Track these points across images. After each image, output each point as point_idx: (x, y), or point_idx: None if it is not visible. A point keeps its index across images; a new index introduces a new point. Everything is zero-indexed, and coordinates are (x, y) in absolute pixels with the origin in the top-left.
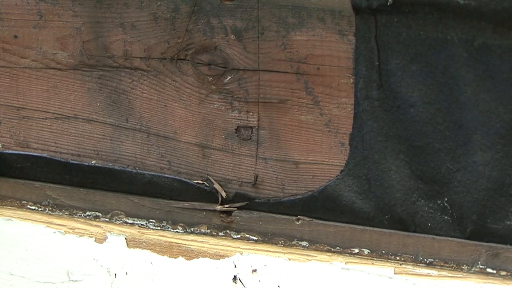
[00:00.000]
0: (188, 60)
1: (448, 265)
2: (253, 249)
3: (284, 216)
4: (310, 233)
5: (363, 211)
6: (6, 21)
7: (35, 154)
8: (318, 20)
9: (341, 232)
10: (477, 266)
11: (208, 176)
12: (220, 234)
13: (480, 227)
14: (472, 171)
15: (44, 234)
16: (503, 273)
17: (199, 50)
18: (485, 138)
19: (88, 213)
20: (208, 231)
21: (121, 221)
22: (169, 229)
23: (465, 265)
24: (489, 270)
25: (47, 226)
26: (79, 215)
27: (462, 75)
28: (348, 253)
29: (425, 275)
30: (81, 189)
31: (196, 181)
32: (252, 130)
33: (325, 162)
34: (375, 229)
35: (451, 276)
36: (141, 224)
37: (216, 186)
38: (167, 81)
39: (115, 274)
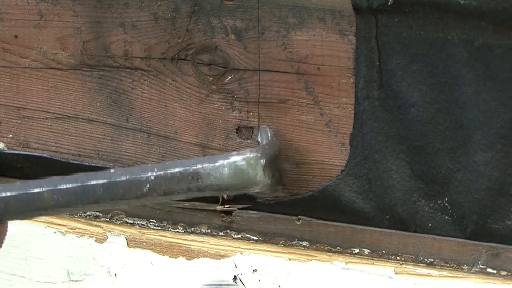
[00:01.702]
0: (189, 60)
1: (448, 265)
2: (253, 249)
3: (284, 216)
4: (310, 233)
5: (363, 211)
6: (6, 21)
7: (36, 154)
8: (318, 20)
9: (342, 232)
10: (478, 266)
11: None
12: (220, 234)
13: (481, 227)
14: (473, 171)
15: (45, 234)
16: (504, 273)
17: (200, 50)
18: (486, 138)
19: (88, 213)
20: (209, 231)
21: (121, 221)
22: (169, 229)
23: (465, 265)
24: (489, 270)
25: (47, 226)
26: (80, 215)
27: (463, 75)
28: (348, 253)
29: (426, 275)
30: None
31: None
32: (252, 130)
33: (326, 162)
34: (376, 229)
35: (452, 276)
36: (142, 224)
37: None
38: (167, 81)
39: (116, 274)
